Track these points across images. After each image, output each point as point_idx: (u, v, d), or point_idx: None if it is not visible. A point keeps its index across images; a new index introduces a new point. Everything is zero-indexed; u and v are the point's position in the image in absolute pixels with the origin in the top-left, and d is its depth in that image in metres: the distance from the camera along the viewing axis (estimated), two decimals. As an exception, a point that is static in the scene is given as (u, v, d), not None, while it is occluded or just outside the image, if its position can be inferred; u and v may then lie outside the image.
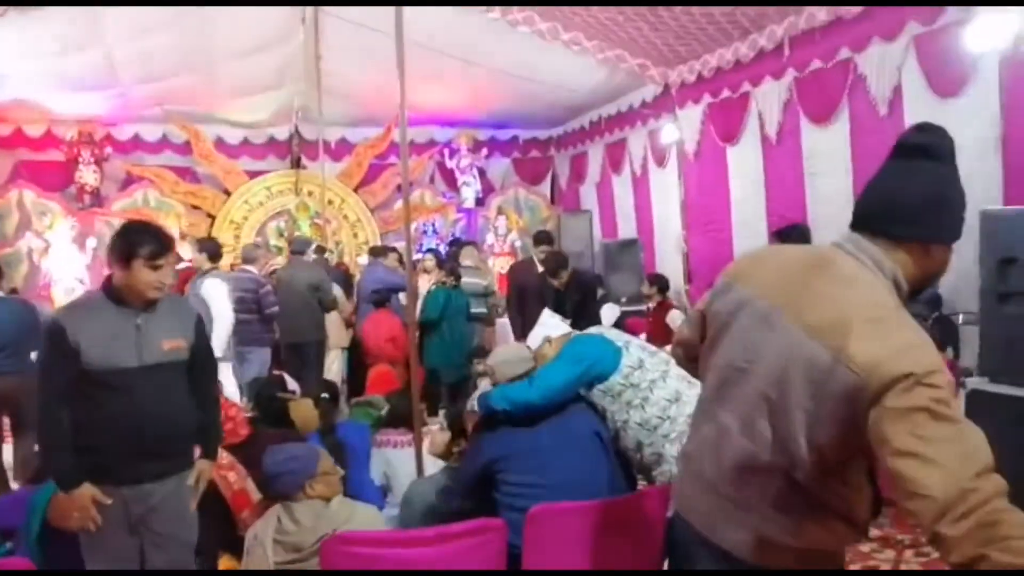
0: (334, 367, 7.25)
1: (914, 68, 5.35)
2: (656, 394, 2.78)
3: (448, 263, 7.34)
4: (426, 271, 7.65)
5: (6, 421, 5.31)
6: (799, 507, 1.56)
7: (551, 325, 3.14)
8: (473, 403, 3.00)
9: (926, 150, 1.69)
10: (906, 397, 1.37)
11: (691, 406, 2.06)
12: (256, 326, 6.22)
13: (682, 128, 8.05)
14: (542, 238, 6.87)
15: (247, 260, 6.59)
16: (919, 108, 5.35)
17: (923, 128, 1.75)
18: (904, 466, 1.35)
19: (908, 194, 1.63)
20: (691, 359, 1.91)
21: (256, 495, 3.23)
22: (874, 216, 1.65)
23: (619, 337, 3.02)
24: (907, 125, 5.68)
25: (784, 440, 1.52)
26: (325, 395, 4.15)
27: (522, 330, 5.68)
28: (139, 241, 2.63)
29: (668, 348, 2.49)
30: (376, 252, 8.17)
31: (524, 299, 6.35)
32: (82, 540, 2.63)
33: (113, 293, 2.66)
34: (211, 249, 6.13)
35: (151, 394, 2.59)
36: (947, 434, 1.37)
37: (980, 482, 1.32)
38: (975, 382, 3.75)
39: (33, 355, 4.45)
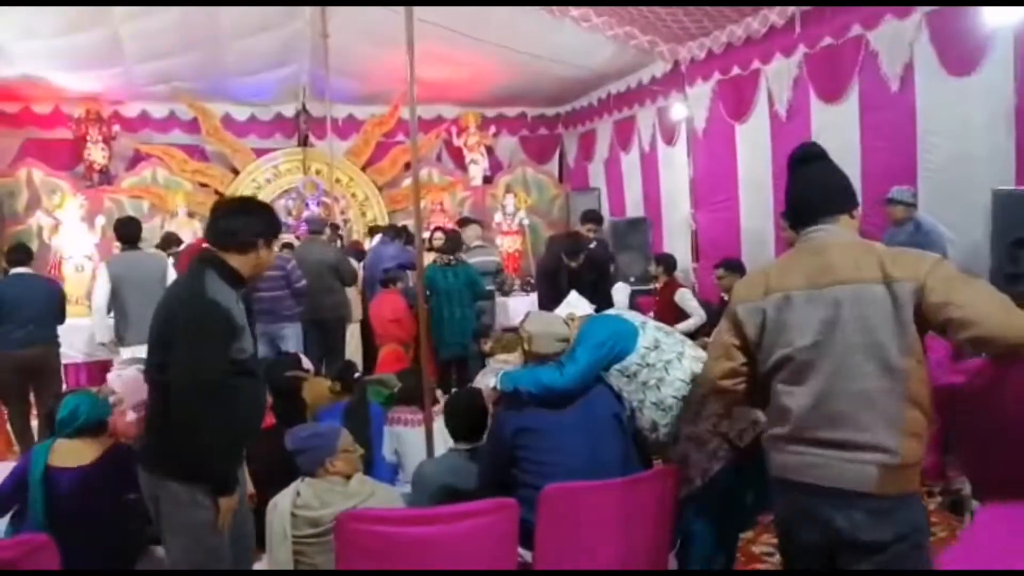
0: (352, 342, 7.34)
1: (926, 45, 5.29)
2: (672, 375, 2.79)
3: (447, 242, 7.33)
4: (435, 249, 7.67)
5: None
6: (903, 418, 1.97)
7: (577, 304, 3.16)
8: (489, 380, 3.01)
9: (816, 155, 2.26)
10: (943, 271, 1.96)
11: None
12: (288, 302, 6.31)
13: (691, 105, 8.00)
14: (590, 216, 6.99)
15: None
16: (931, 85, 5.31)
17: (804, 144, 2.40)
18: (966, 309, 1.88)
19: (828, 185, 2.20)
20: (737, 382, 2.23)
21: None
22: (817, 208, 2.16)
23: (635, 317, 3.04)
24: (918, 102, 5.71)
25: (885, 361, 1.95)
26: (356, 374, 4.24)
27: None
28: (277, 222, 2.60)
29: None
30: (377, 231, 8.22)
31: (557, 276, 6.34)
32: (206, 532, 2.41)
33: (228, 274, 2.47)
34: None
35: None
36: (978, 283, 1.98)
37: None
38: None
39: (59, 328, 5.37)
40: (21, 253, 5.64)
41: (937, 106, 5.27)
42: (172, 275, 5.64)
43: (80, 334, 7.86)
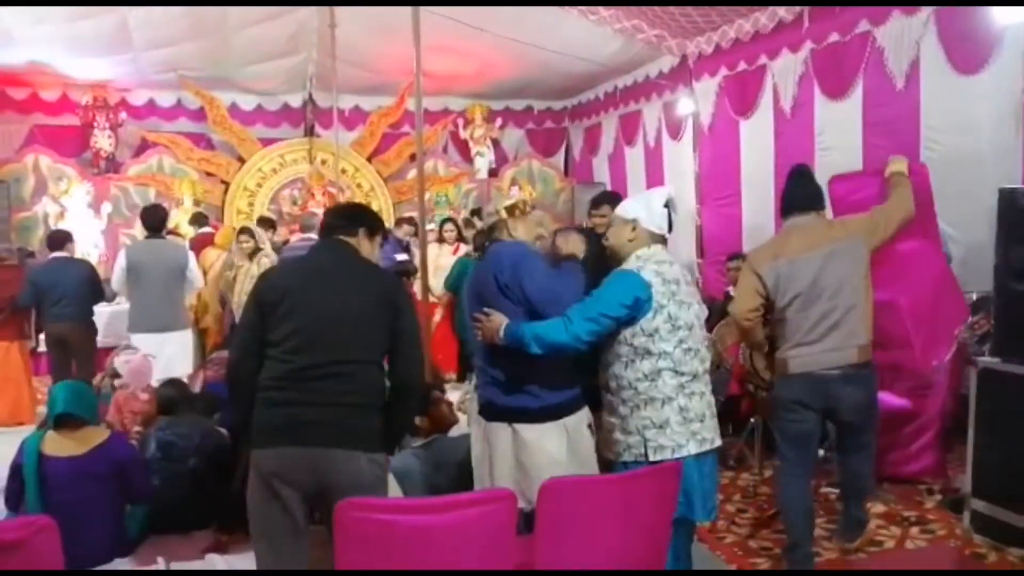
0: None
1: (933, 42, 5.27)
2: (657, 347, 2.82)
3: (478, 234, 7.40)
4: (445, 241, 7.68)
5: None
6: (867, 319, 3.30)
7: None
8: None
9: (808, 172, 3.60)
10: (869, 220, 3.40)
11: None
12: None
13: (698, 100, 7.99)
14: (601, 199, 6.89)
15: (306, 228, 6.74)
16: (936, 83, 5.29)
17: (797, 166, 3.65)
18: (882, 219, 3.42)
19: (815, 190, 3.52)
20: (756, 317, 3.39)
21: None
22: (808, 203, 3.44)
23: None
24: (923, 100, 5.70)
25: (856, 286, 3.27)
26: None
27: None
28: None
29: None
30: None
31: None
32: None
33: None
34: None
35: None
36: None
37: None
38: (987, 361, 3.76)
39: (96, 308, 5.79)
40: (57, 238, 6.03)
41: (942, 104, 5.26)
42: (194, 266, 5.63)
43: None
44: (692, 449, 2.72)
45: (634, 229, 2.86)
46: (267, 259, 6.20)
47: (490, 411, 2.88)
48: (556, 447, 2.77)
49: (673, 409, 2.71)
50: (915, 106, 5.45)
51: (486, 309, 2.78)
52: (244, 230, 6.74)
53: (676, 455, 2.68)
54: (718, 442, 2.85)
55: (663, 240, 2.89)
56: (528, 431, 2.78)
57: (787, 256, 3.28)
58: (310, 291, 2.52)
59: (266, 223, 8.01)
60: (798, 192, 3.48)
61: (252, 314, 2.57)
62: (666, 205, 2.88)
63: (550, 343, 2.65)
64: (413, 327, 2.63)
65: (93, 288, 5.75)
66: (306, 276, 2.60)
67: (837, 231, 3.33)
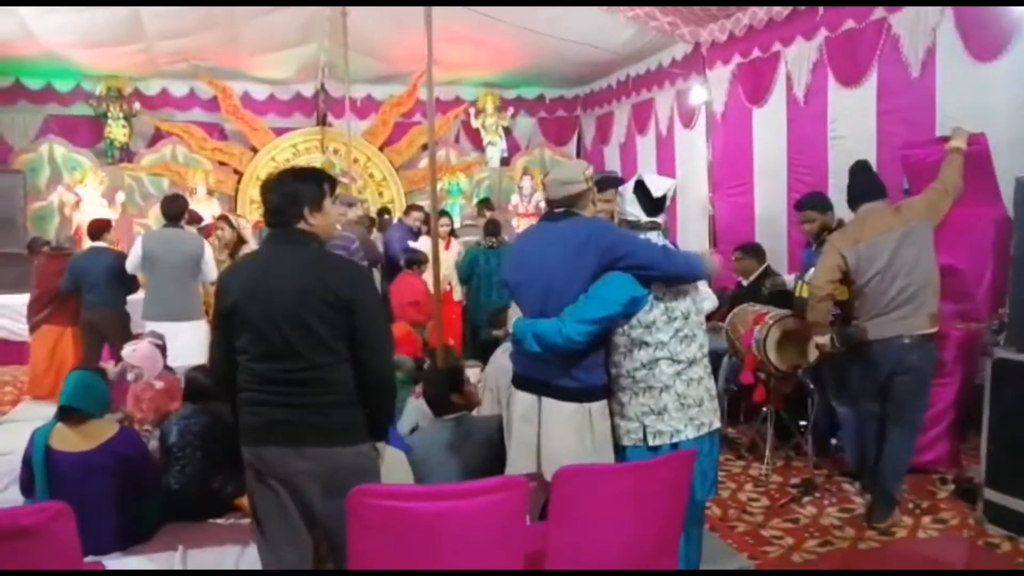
0: None
1: (950, 30, 5.22)
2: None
3: (489, 223, 7.41)
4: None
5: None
6: (937, 293, 3.77)
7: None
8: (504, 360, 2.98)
9: (869, 165, 4.20)
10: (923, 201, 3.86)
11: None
12: None
13: (711, 88, 7.94)
14: (608, 182, 6.81)
15: (346, 204, 6.75)
16: (952, 70, 5.23)
17: (859, 161, 4.19)
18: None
19: (878, 181, 4.03)
20: (834, 289, 3.89)
21: None
22: (876, 192, 3.93)
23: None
24: (939, 88, 5.65)
25: (928, 263, 3.74)
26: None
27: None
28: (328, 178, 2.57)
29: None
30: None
31: None
32: None
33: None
34: None
35: None
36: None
37: None
38: (1002, 351, 3.74)
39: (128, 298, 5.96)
40: (95, 229, 6.25)
41: (958, 92, 5.20)
42: (209, 257, 5.65)
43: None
44: (690, 433, 2.76)
45: (613, 218, 3.00)
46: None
47: (522, 381, 2.91)
48: (579, 428, 2.80)
49: (671, 396, 2.75)
50: (931, 94, 5.40)
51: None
52: (221, 217, 6.46)
53: (674, 440, 2.73)
54: (717, 424, 2.88)
55: (651, 226, 2.90)
56: (556, 406, 2.80)
57: (865, 240, 3.75)
58: (258, 299, 2.41)
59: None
60: (866, 183, 3.95)
61: (218, 318, 2.55)
62: (637, 189, 2.89)
63: (547, 343, 2.70)
64: (373, 316, 2.49)
65: (123, 277, 5.83)
66: (253, 282, 2.44)
67: (905, 214, 3.76)
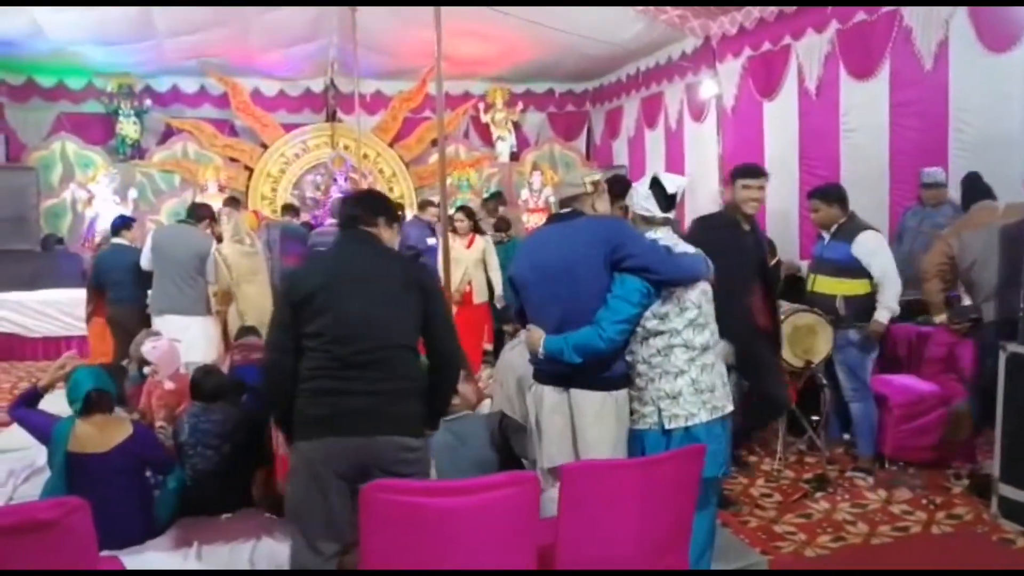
0: None
1: (963, 20, 5.18)
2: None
3: (500, 220, 7.40)
4: (457, 232, 6.56)
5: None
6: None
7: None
8: (515, 358, 2.99)
9: (979, 174, 4.70)
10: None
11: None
12: None
13: (721, 82, 7.91)
14: (620, 187, 6.73)
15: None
16: (965, 62, 5.20)
17: (971, 172, 4.73)
18: None
19: (987, 186, 4.58)
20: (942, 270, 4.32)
21: None
22: (986, 194, 4.51)
23: None
24: (952, 80, 5.62)
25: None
26: None
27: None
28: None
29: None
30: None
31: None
32: None
33: None
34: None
35: None
36: None
37: None
38: (1016, 346, 3.71)
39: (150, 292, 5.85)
40: (116, 225, 6.39)
41: (971, 84, 5.17)
42: (210, 259, 5.67)
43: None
44: (704, 417, 2.83)
45: (628, 215, 3.02)
46: (234, 246, 6.00)
47: (547, 376, 2.94)
48: (610, 416, 2.86)
49: (686, 381, 2.82)
50: (944, 86, 5.36)
51: (530, 326, 2.90)
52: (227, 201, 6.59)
53: (689, 423, 2.80)
54: (729, 408, 2.94)
55: (664, 222, 2.97)
56: (586, 396, 2.85)
57: (967, 231, 4.23)
58: (341, 284, 2.57)
59: (290, 210, 8.03)
60: (979, 187, 4.58)
61: (283, 313, 2.61)
62: (653, 186, 2.95)
63: (589, 351, 2.76)
64: (443, 305, 2.76)
65: (143, 273, 5.90)
66: (335, 270, 2.63)
67: (1008, 213, 4.19)
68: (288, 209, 8.05)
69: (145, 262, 5.74)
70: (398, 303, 2.57)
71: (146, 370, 4.51)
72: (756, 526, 3.85)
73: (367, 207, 2.79)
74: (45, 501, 2.69)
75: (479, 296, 6.60)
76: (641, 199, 2.97)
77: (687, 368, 2.82)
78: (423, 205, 8.01)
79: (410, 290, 2.59)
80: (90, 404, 3.22)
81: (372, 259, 2.66)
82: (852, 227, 4.33)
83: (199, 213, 5.90)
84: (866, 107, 6.02)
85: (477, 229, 6.96)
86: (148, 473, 3.39)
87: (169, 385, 4.32)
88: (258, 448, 3.64)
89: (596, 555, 2.38)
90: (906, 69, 5.66)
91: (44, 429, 3.26)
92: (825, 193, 4.77)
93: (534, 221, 10.37)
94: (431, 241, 7.11)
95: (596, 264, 2.80)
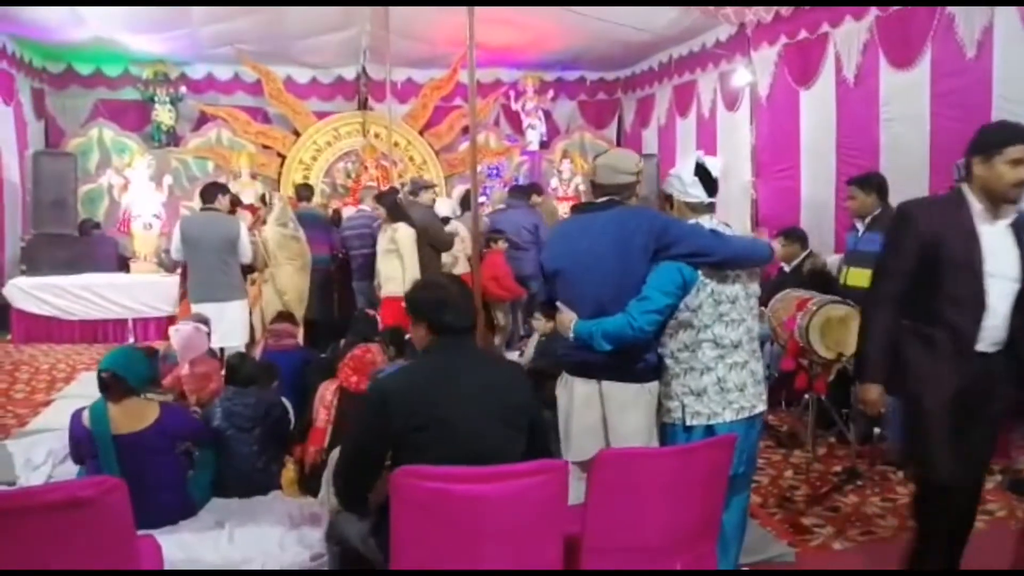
0: None
1: (1009, 8, 5.05)
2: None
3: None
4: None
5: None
6: None
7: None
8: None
9: None
10: None
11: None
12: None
13: (755, 71, 7.81)
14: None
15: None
16: (1011, 51, 5.07)
17: None
18: None
19: None
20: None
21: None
22: None
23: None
24: (996, 69, 5.49)
25: None
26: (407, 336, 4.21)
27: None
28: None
29: None
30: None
31: None
32: None
33: None
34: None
35: None
36: None
37: None
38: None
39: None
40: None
41: (1017, 73, 5.04)
42: (245, 238, 5.72)
43: (147, 290, 8.17)
44: (728, 417, 2.77)
45: (672, 205, 2.89)
46: (277, 229, 6.30)
47: (580, 368, 2.91)
48: (644, 408, 2.84)
49: (711, 379, 2.76)
50: (987, 75, 5.24)
51: (560, 306, 2.88)
52: (262, 198, 6.73)
53: (711, 422, 2.75)
54: (760, 408, 2.86)
55: (709, 208, 2.86)
56: (619, 388, 2.83)
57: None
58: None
59: (304, 189, 7.91)
60: None
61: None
62: (698, 171, 2.84)
63: (619, 339, 2.72)
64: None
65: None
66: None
67: None
68: (301, 188, 7.92)
69: (175, 252, 5.78)
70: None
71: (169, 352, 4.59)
72: (782, 518, 3.83)
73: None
74: (84, 479, 2.75)
75: None
76: (687, 186, 2.84)
77: (714, 366, 2.76)
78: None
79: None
80: (103, 385, 3.27)
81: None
82: (886, 218, 4.26)
83: (211, 192, 5.83)
84: (907, 97, 5.90)
85: None
86: (184, 452, 3.45)
87: (185, 369, 4.34)
88: (287, 433, 3.70)
89: (624, 544, 2.38)
90: (948, 58, 5.53)
91: (77, 437, 3.33)
92: (865, 181, 4.69)
93: (564, 209, 10.33)
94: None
95: (637, 255, 2.74)
